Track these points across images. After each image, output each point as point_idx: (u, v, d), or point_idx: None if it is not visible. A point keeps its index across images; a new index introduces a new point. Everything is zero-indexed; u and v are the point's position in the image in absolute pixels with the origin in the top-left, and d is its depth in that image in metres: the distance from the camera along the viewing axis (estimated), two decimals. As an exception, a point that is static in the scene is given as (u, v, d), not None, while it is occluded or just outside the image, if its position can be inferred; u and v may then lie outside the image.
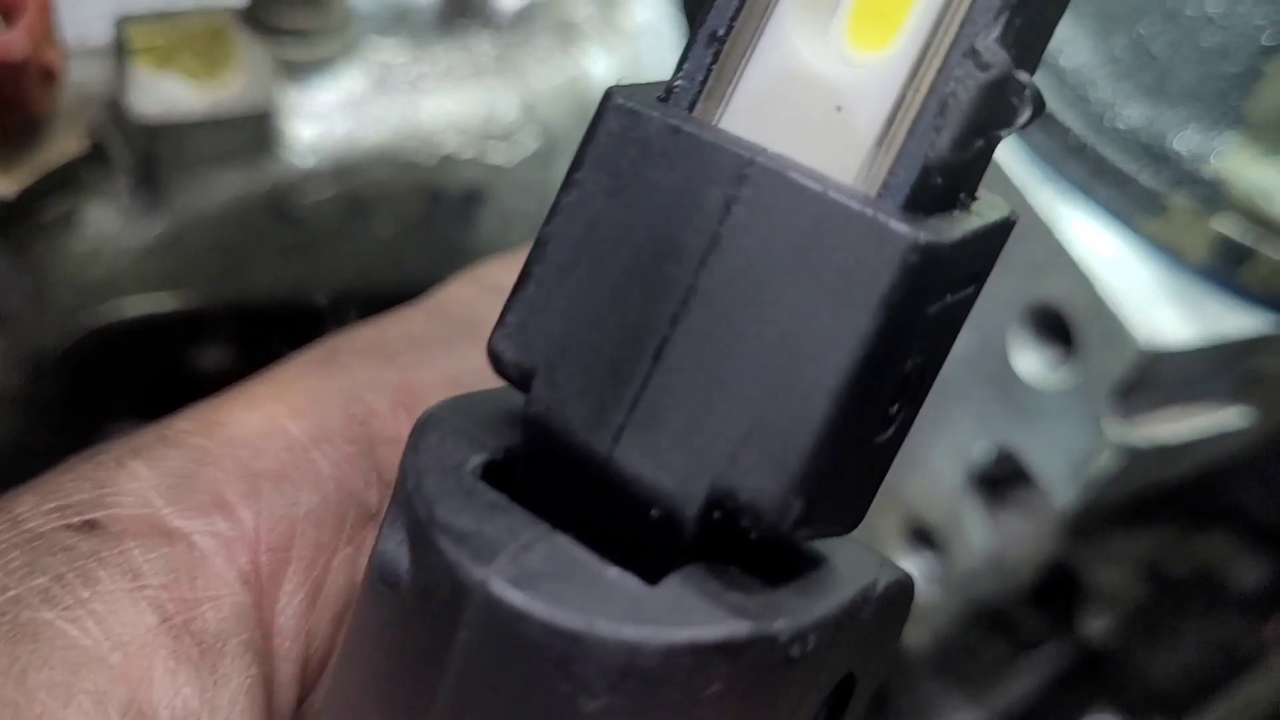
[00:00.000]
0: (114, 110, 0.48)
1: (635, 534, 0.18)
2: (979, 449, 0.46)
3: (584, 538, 0.18)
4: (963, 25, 0.18)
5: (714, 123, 0.20)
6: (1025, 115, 0.18)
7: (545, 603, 0.17)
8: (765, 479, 0.18)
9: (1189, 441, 0.43)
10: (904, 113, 0.18)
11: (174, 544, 0.24)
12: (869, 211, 0.17)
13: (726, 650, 0.17)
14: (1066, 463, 0.42)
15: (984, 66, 0.18)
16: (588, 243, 0.19)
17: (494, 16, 0.59)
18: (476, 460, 0.20)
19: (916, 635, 0.55)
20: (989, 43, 0.18)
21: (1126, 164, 0.41)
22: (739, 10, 0.20)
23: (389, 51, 0.53)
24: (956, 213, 0.19)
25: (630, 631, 0.17)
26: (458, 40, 0.55)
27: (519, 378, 0.20)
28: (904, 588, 0.22)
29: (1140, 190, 0.41)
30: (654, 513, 0.18)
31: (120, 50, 0.48)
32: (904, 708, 0.78)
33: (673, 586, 0.18)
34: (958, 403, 0.46)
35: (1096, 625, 0.74)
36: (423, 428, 0.20)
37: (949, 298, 0.19)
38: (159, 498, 0.24)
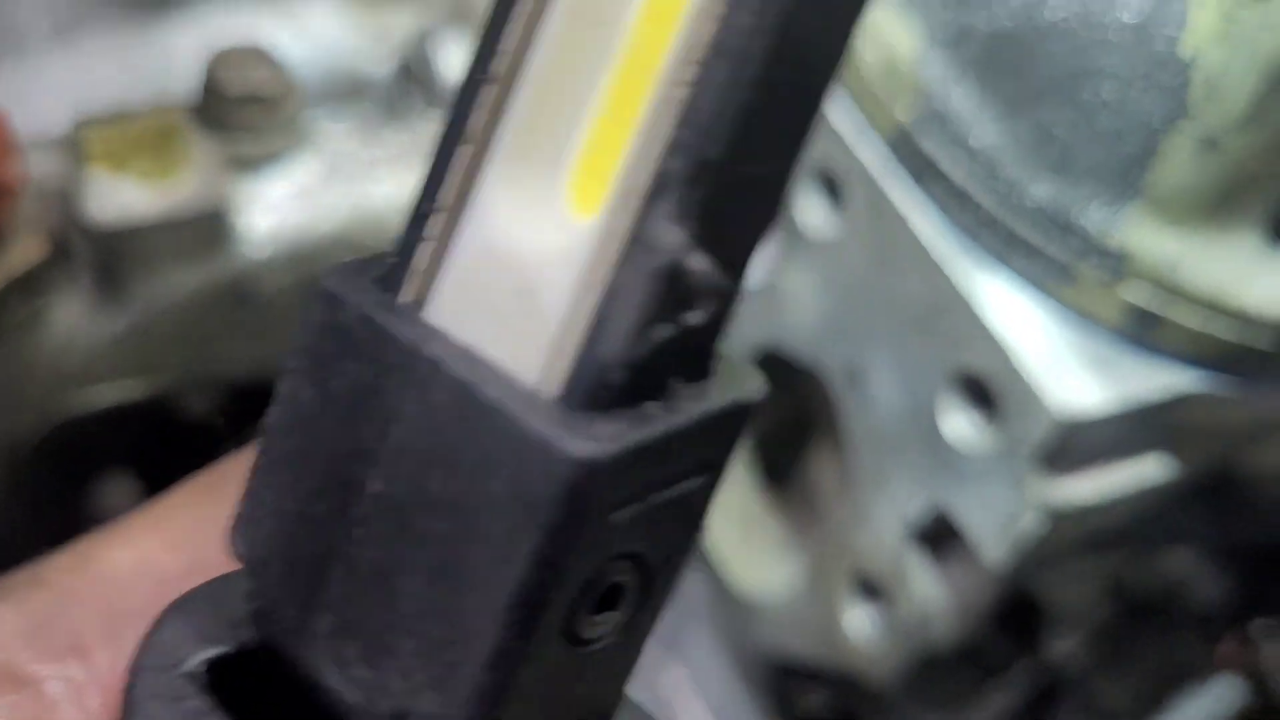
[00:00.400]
0: (73, 210, 0.49)
1: None
2: (916, 507, 0.47)
3: None
4: (644, 196, 0.16)
5: (422, 307, 0.18)
6: (710, 306, 0.16)
7: None
8: (437, 706, 0.17)
9: (1113, 499, 0.44)
10: (585, 299, 0.16)
11: (23, 691, 0.24)
12: (530, 423, 0.16)
13: None
14: (994, 524, 0.44)
15: (648, 250, 0.16)
16: (296, 436, 0.18)
17: (442, 93, 0.60)
18: (198, 659, 0.19)
19: (876, 677, 0.56)
20: (661, 221, 0.16)
21: (1036, 237, 0.43)
22: (444, 172, 0.18)
23: (339, 139, 0.55)
24: (653, 406, 0.17)
25: None
26: (406, 122, 0.56)
27: (249, 571, 0.19)
28: None
29: (1051, 262, 0.43)
30: None
31: (76, 154, 0.49)
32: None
33: None
34: (895, 462, 0.48)
35: (1060, 649, 0.76)
36: (163, 616, 0.20)
37: (657, 496, 0.17)
38: (18, 641, 0.24)
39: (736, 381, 0.18)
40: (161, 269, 0.50)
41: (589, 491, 0.16)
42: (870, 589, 0.52)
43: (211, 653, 0.19)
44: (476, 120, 0.17)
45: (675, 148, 0.16)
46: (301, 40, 0.61)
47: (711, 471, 0.18)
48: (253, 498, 0.19)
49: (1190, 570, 0.78)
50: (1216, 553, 0.78)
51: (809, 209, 0.50)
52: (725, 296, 0.16)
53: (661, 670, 0.81)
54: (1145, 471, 0.45)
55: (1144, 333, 0.43)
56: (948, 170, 0.44)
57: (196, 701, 0.19)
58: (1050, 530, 0.43)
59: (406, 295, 0.18)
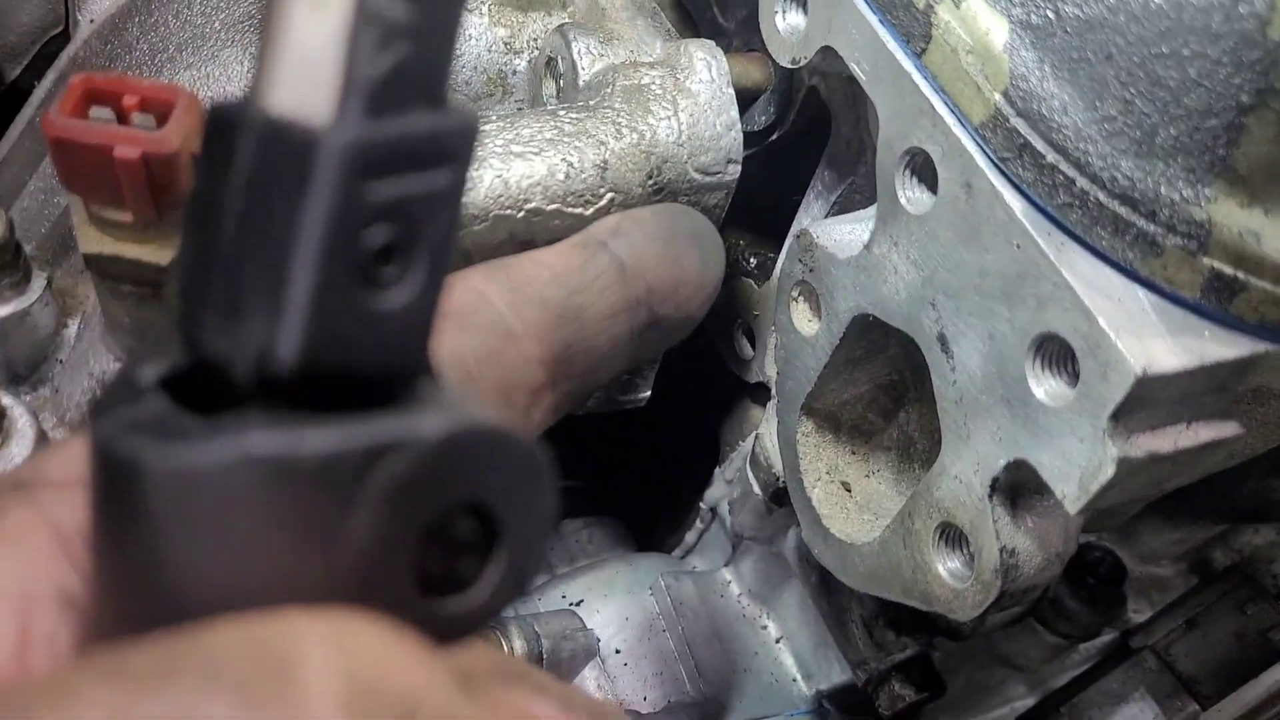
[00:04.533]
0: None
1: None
2: (999, 461, 0.47)
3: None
4: None
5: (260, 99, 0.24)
6: (405, 41, 0.22)
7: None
8: (271, 334, 0.23)
9: (1186, 449, 0.44)
10: (341, 53, 0.22)
11: None
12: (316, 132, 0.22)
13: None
14: (1075, 474, 0.43)
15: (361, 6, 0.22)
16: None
17: (573, 85, 0.61)
18: (152, 372, 0.24)
19: (962, 618, 0.56)
20: None
21: (1124, 210, 0.42)
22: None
23: (481, 123, 0.57)
24: (396, 120, 0.23)
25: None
26: (539, 111, 0.58)
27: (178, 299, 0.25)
28: (470, 440, 0.25)
29: (1137, 233, 0.42)
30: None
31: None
32: (962, 688, 0.79)
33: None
34: (979, 420, 0.48)
35: (1141, 618, 0.74)
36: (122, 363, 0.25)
37: (408, 180, 0.23)
38: None
39: (459, 118, 0.24)
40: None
41: (349, 158, 0.22)
42: (955, 538, 0.52)
43: (162, 366, 0.24)
44: None
45: None
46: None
47: (448, 169, 0.24)
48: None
49: (1270, 549, 0.76)
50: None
51: (902, 184, 0.50)
52: (418, 32, 0.22)
53: (755, 624, 0.82)
54: (1217, 429, 0.44)
55: (1224, 302, 0.42)
56: (1039, 149, 0.44)
57: (154, 401, 0.24)
58: (1126, 480, 0.43)
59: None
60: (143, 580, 0.24)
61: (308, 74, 0.23)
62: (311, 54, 0.23)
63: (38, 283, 0.56)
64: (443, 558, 0.26)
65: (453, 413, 0.25)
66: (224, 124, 0.23)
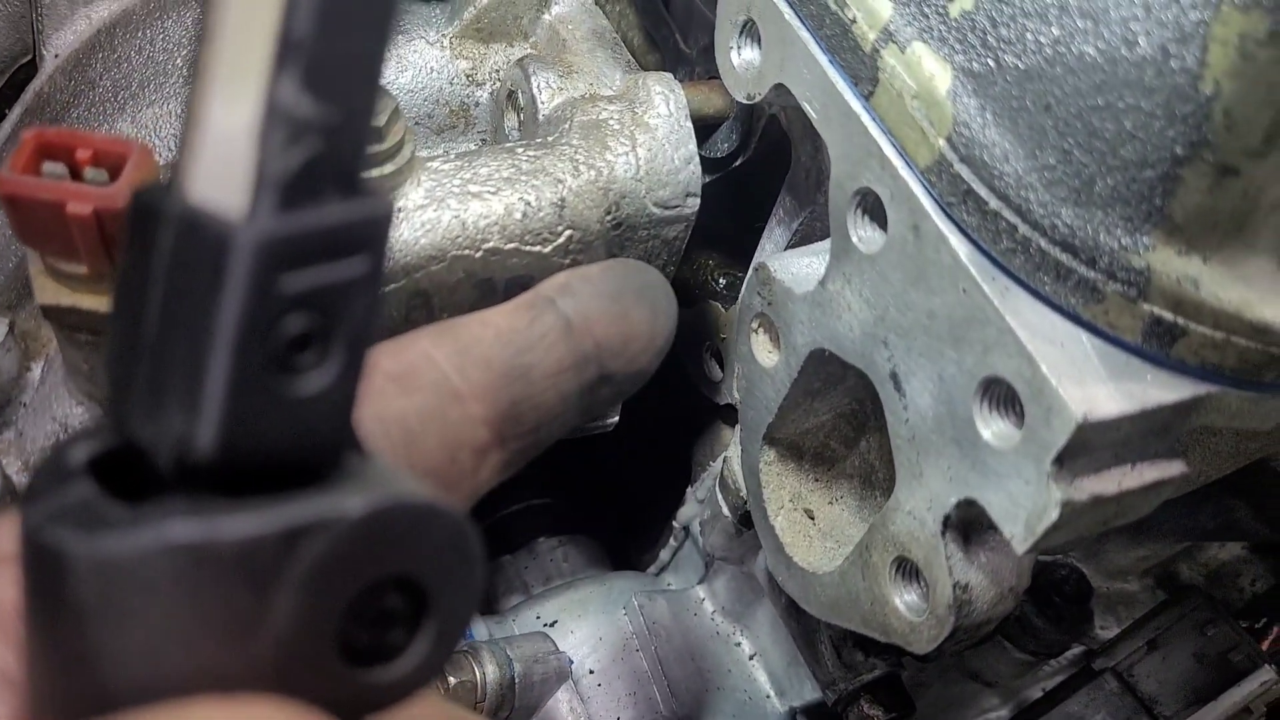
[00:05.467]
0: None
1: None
2: (950, 499, 0.48)
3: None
4: (271, 74, 0.22)
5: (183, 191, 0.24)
6: (317, 138, 0.23)
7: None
8: (190, 424, 0.23)
9: (1130, 490, 0.44)
10: (255, 149, 0.23)
11: None
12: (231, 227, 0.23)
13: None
14: (1021, 516, 0.44)
15: (271, 105, 0.22)
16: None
17: (533, 119, 0.62)
18: (79, 455, 0.25)
19: (919, 650, 0.57)
20: (279, 84, 0.22)
21: (1065, 258, 0.43)
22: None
23: (438, 163, 0.57)
24: (311, 211, 0.23)
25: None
26: (497, 150, 0.58)
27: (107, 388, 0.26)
28: (388, 517, 0.25)
29: (1079, 279, 0.43)
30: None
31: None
32: (933, 702, 0.79)
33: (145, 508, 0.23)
34: (931, 458, 0.48)
35: (1109, 634, 0.75)
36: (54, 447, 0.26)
37: (323, 271, 0.23)
38: None
39: (374, 205, 0.24)
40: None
41: (261, 252, 0.23)
42: (911, 571, 0.52)
43: (92, 446, 0.25)
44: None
45: (281, 39, 0.22)
46: (407, 73, 0.64)
47: (363, 257, 0.24)
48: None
49: (1236, 564, 0.76)
50: (1263, 547, 0.76)
51: (854, 223, 0.50)
52: (330, 126, 0.23)
53: (729, 642, 0.82)
54: (1161, 469, 0.45)
55: (1165, 346, 0.43)
56: (982, 195, 0.44)
57: (81, 486, 0.24)
58: (1071, 522, 0.43)
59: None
60: (70, 666, 0.24)
61: (222, 166, 0.23)
62: (225, 147, 0.23)
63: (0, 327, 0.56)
64: (371, 629, 0.26)
65: (376, 489, 0.25)
66: (147, 210, 0.24)
